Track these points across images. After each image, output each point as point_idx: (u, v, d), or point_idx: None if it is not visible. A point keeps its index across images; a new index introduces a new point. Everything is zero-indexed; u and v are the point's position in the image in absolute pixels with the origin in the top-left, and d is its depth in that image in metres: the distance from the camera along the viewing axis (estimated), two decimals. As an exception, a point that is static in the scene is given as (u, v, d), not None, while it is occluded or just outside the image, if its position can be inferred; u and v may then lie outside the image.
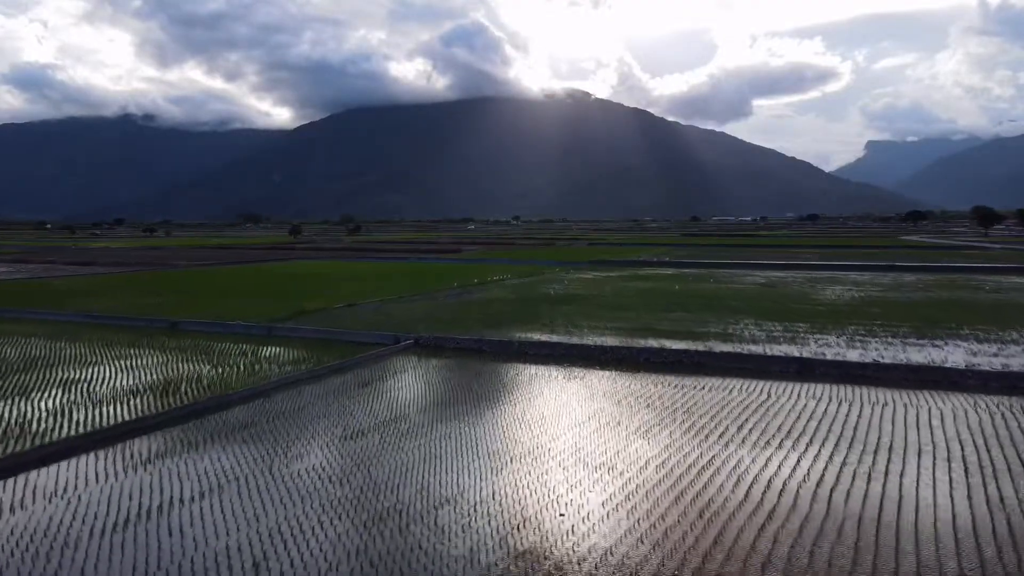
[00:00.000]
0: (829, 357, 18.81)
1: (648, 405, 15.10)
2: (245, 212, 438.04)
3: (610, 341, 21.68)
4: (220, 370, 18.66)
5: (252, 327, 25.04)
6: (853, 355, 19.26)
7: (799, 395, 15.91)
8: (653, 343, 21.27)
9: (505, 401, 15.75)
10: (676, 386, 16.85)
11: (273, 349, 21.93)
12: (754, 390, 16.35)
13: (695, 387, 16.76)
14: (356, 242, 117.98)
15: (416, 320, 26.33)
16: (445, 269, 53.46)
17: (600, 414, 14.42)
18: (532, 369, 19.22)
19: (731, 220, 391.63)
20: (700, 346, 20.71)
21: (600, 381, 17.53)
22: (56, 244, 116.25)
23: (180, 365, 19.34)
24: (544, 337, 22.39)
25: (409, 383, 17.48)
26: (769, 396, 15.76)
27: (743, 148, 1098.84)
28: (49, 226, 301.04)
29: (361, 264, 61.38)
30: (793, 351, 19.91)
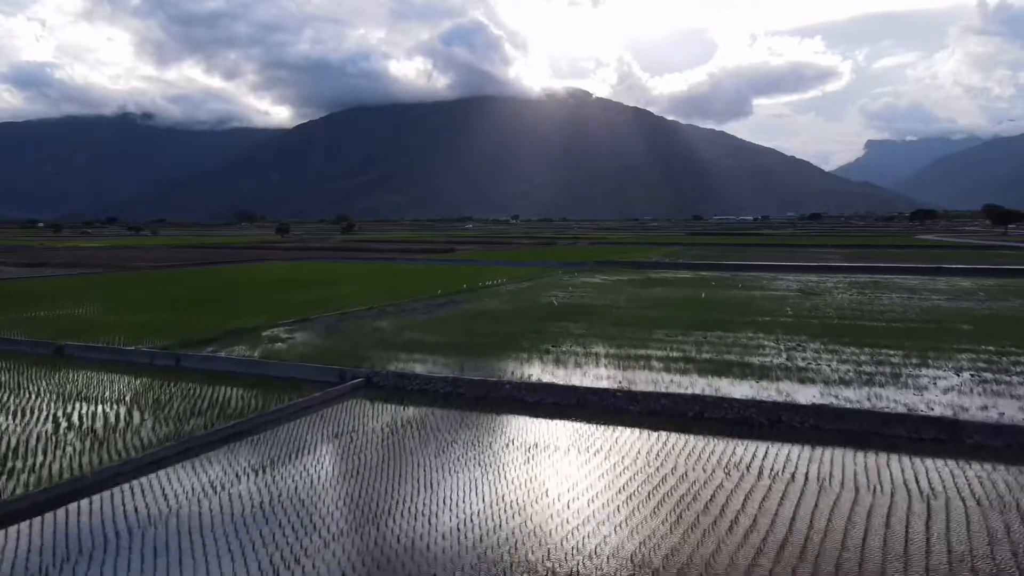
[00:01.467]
0: (981, 417, 12.45)
1: (730, 525, 8.78)
2: (243, 211, 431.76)
3: (640, 382, 15.37)
4: (62, 432, 12.38)
5: (156, 354, 18.74)
6: (1010, 409, 12.94)
7: (978, 500, 9.59)
8: (703, 385, 14.96)
9: (485, 512, 9.43)
10: (759, 473, 10.54)
11: (170, 390, 15.66)
12: (893, 488, 10.00)
13: (789, 477, 10.44)
14: (346, 241, 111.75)
15: (378, 344, 20.02)
16: (433, 272, 47.17)
17: (655, 554, 8.10)
18: (531, 429, 12.94)
19: (732, 219, 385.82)
20: (772, 391, 14.40)
21: (637, 459, 11.22)
22: (25, 243, 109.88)
23: (11, 428, 13.04)
24: (547, 376, 16.06)
25: (334, 467, 11.15)
26: (927, 504, 9.40)
27: (743, 147, 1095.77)
28: (41, 224, 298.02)
29: (341, 265, 55.06)
30: (914, 401, 13.57)
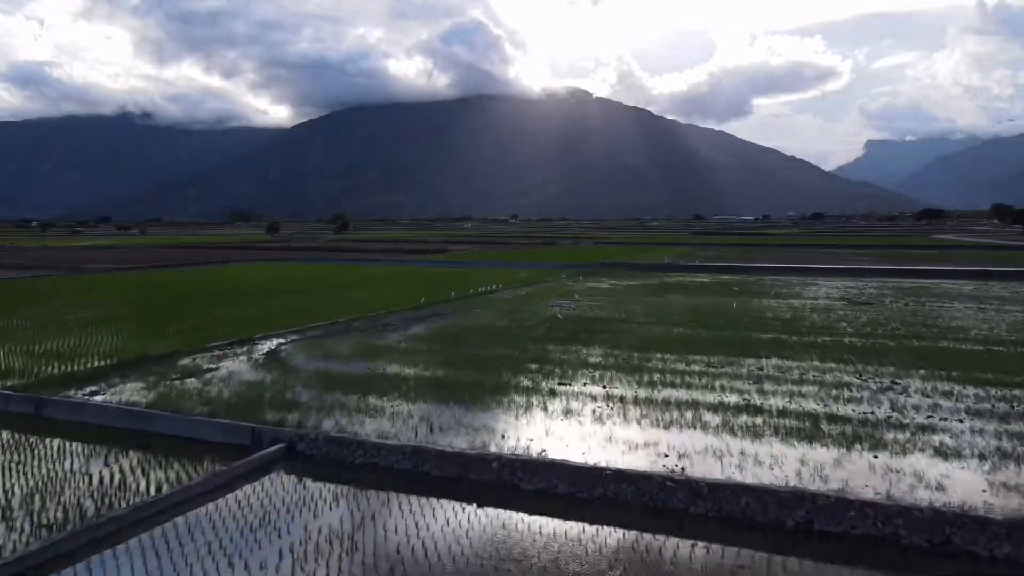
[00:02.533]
0: None
1: None
2: (239, 210, 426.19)
3: (696, 454, 10.17)
4: None
5: (13, 398, 13.57)
6: None
7: None
8: (794, 462, 9.77)
9: None
10: None
11: (-5, 463, 10.52)
12: None
13: None
14: (335, 241, 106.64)
15: (323, 381, 14.83)
16: (420, 275, 41.98)
17: None
18: (531, 555, 7.78)
19: (732, 219, 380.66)
20: (908, 477, 9.21)
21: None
22: None
23: None
24: (554, 442, 10.83)
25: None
26: None
27: (742, 147, 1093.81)
28: (35, 223, 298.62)
29: (319, 268, 49.88)
30: None
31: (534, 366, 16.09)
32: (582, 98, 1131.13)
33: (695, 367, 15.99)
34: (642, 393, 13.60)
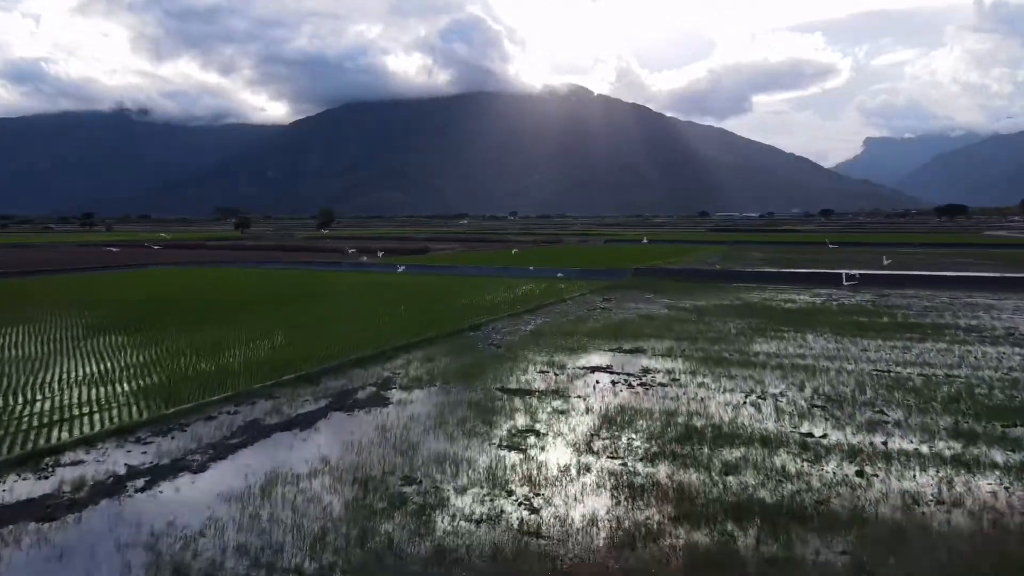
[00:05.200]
0: None
1: None
2: (229, 207, 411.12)
3: None
4: None
5: None
6: None
7: None
8: None
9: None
10: None
11: None
12: None
13: None
14: (308, 239, 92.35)
15: None
16: (375, 289, 27.70)
17: None
18: None
19: (737, 216, 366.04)
20: None
21: None
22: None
23: None
24: None
25: None
26: None
27: (742, 144, 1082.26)
28: (22, 221, 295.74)
29: (247, 274, 35.48)
30: None
31: None
32: (582, 95, 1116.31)
33: None
34: None
